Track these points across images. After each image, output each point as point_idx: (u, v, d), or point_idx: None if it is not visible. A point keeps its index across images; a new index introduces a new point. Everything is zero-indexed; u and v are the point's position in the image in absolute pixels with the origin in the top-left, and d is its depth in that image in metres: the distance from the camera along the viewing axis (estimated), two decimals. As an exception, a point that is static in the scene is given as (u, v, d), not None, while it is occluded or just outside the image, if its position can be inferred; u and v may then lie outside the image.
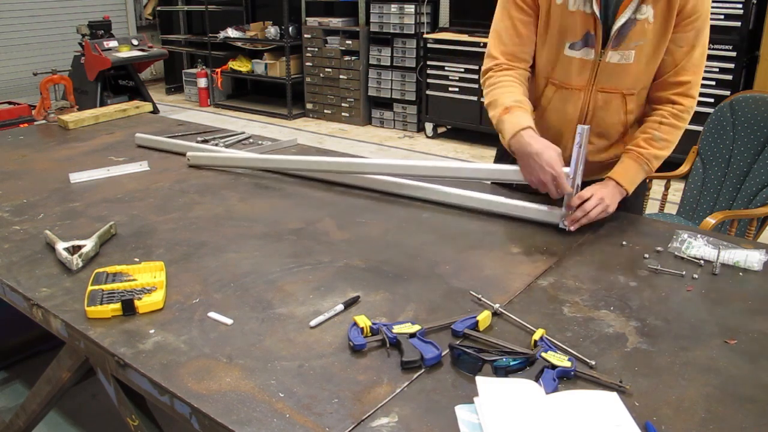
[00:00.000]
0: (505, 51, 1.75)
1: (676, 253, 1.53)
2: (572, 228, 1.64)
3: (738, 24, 4.31)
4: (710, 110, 2.82)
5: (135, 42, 6.28)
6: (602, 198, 1.63)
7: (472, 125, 5.76)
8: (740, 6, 4.29)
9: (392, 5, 6.02)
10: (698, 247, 1.53)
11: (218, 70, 7.33)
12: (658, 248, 1.56)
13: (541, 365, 1.10)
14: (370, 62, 6.38)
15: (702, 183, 2.75)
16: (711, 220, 2.32)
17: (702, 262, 1.49)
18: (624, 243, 1.60)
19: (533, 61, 1.78)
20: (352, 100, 6.58)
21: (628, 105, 1.70)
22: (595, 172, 1.79)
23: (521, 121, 1.64)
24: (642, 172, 1.69)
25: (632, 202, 1.81)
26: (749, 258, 1.47)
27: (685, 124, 1.68)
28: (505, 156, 1.86)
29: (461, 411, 1.01)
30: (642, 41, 1.61)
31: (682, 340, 1.20)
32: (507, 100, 1.69)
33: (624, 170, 1.69)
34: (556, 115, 1.76)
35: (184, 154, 2.23)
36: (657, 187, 3.10)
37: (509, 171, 1.73)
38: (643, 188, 1.97)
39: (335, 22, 6.47)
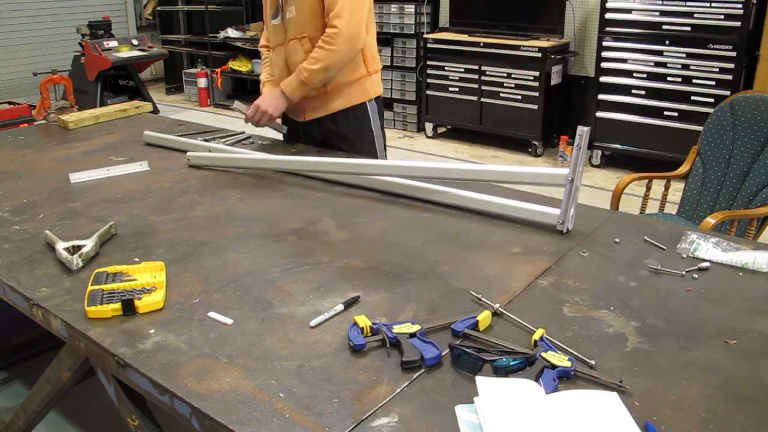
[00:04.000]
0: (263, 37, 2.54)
1: (683, 254, 1.53)
2: (253, 124, 2.32)
3: (738, 24, 4.30)
4: (710, 110, 2.82)
5: (135, 42, 6.27)
6: (257, 105, 2.28)
7: (472, 125, 5.76)
8: (740, 6, 4.28)
9: (392, 5, 6.02)
10: (706, 249, 1.52)
11: (218, 70, 7.32)
12: (659, 248, 1.56)
13: (541, 365, 1.10)
14: (370, 62, 6.37)
15: (702, 183, 2.75)
16: (711, 220, 2.32)
17: (705, 263, 1.49)
18: (622, 242, 1.60)
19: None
20: (352, 100, 6.56)
21: (304, 46, 2.25)
22: (316, 110, 2.33)
23: (263, 79, 2.48)
24: (296, 78, 2.22)
25: (360, 142, 2.36)
26: (758, 259, 1.46)
27: (333, 46, 2.15)
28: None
29: (461, 411, 1.02)
30: None
31: (682, 340, 1.20)
32: (263, 75, 2.51)
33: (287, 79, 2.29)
34: (276, 67, 2.41)
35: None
36: (657, 187, 3.09)
37: (509, 172, 1.74)
38: (369, 134, 2.39)
39: (335, 22, 6.45)
